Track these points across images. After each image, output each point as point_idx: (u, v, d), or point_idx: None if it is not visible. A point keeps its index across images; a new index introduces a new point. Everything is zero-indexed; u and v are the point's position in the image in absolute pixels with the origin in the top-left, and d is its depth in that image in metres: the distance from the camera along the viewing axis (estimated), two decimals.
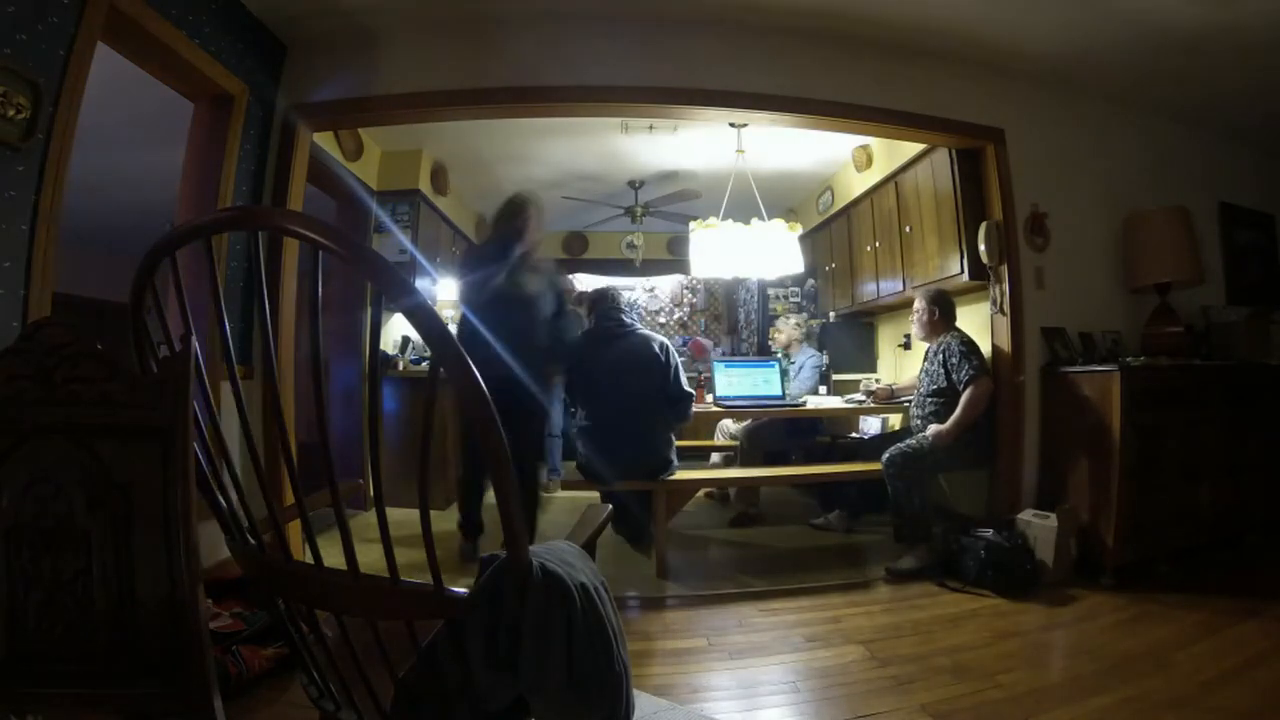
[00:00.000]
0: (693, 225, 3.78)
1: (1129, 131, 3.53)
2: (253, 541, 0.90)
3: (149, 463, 0.87)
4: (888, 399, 3.53)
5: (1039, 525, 2.78)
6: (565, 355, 2.97)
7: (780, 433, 3.94)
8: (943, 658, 2.06)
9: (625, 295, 3.30)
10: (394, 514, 0.81)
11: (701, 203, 5.00)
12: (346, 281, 4.12)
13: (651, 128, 4.03)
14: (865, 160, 4.42)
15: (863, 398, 3.63)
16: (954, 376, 2.97)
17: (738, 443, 3.91)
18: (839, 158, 4.66)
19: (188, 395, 0.86)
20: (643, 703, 1.76)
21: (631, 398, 2.91)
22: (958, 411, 2.91)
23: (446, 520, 3.90)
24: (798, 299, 5.68)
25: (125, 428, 0.87)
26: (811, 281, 5.36)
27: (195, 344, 0.87)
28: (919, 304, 3.22)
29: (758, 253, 3.63)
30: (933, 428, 2.96)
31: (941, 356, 3.05)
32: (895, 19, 2.83)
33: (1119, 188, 3.43)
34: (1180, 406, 2.86)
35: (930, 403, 3.09)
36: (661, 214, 5.48)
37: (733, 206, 3.85)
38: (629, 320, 3.12)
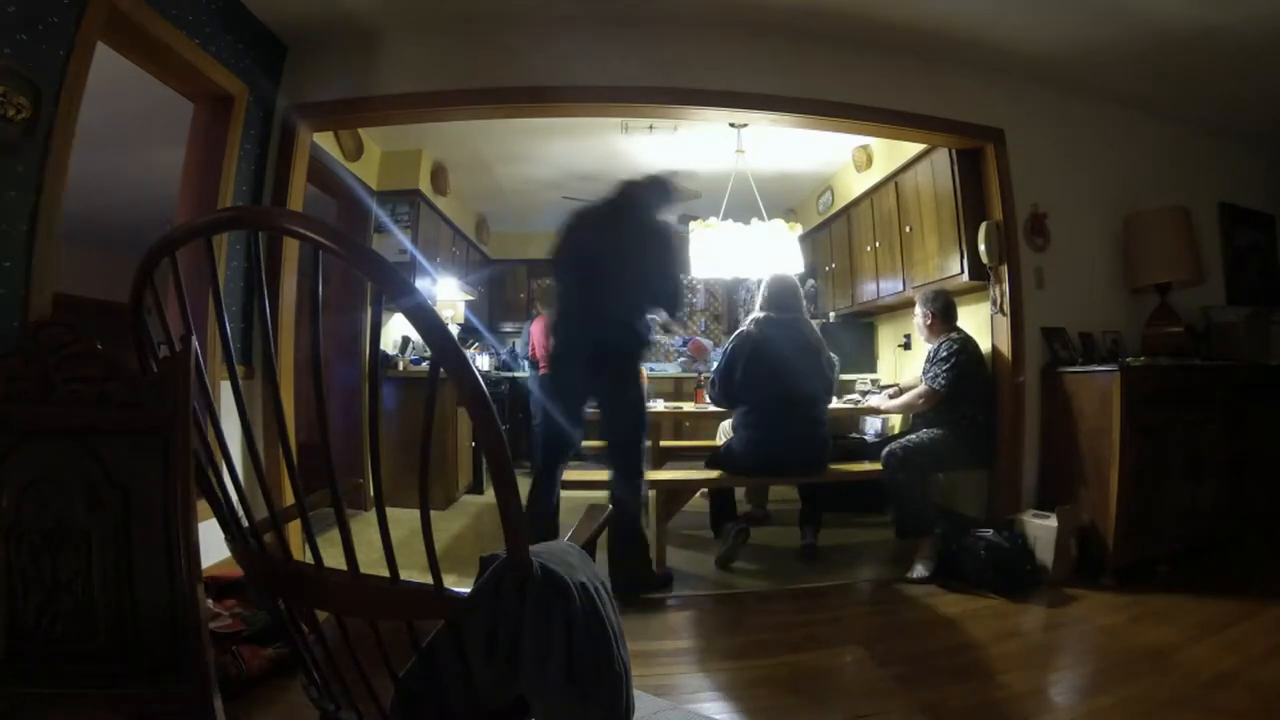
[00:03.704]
0: (693, 225, 3.77)
1: (1129, 131, 3.53)
2: (253, 541, 0.90)
3: (149, 463, 0.87)
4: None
5: (1039, 525, 2.78)
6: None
7: None
8: (943, 658, 2.06)
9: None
10: (394, 514, 0.81)
11: (701, 203, 4.97)
12: (346, 281, 4.12)
13: (651, 128, 4.03)
14: (865, 160, 4.42)
15: (859, 397, 3.63)
16: (923, 371, 3.04)
17: None
18: (839, 158, 4.66)
19: (188, 395, 0.86)
20: (643, 703, 1.76)
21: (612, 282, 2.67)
22: (903, 399, 3.09)
23: (447, 520, 3.91)
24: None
25: (125, 428, 0.87)
26: (811, 281, 5.36)
27: (195, 344, 0.87)
28: (918, 308, 3.23)
29: (757, 253, 3.63)
30: (875, 398, 3.16)
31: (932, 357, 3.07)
32: (895, 19, 2.82)
33: (1119, 188, 3.43)
34: (1180, 407, 2.86)
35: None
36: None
37: (733, 206, 3.85)
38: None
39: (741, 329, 3.04)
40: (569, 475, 3.09)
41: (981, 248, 3.14)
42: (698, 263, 3.74)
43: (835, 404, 3.31)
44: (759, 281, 3.20)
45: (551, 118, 3.48)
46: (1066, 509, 2.80)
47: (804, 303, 3.15)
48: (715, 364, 3.19)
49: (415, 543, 0.80)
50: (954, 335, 3.08)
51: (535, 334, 5.47)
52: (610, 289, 2.48)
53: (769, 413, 2.90)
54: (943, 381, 2.96)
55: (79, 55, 1.82)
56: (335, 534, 0.77)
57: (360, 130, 3.96)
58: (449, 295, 5.09)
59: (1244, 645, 2.07)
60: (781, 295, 3.04)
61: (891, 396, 3.61)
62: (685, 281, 2.69)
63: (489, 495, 4.20)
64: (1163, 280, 3.24)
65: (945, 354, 3.00)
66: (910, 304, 3.49)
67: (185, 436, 0.86)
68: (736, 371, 2.92)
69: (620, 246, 2.51)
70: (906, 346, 4.37)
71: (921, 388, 3.04)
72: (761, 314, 3.02)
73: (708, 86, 2.90)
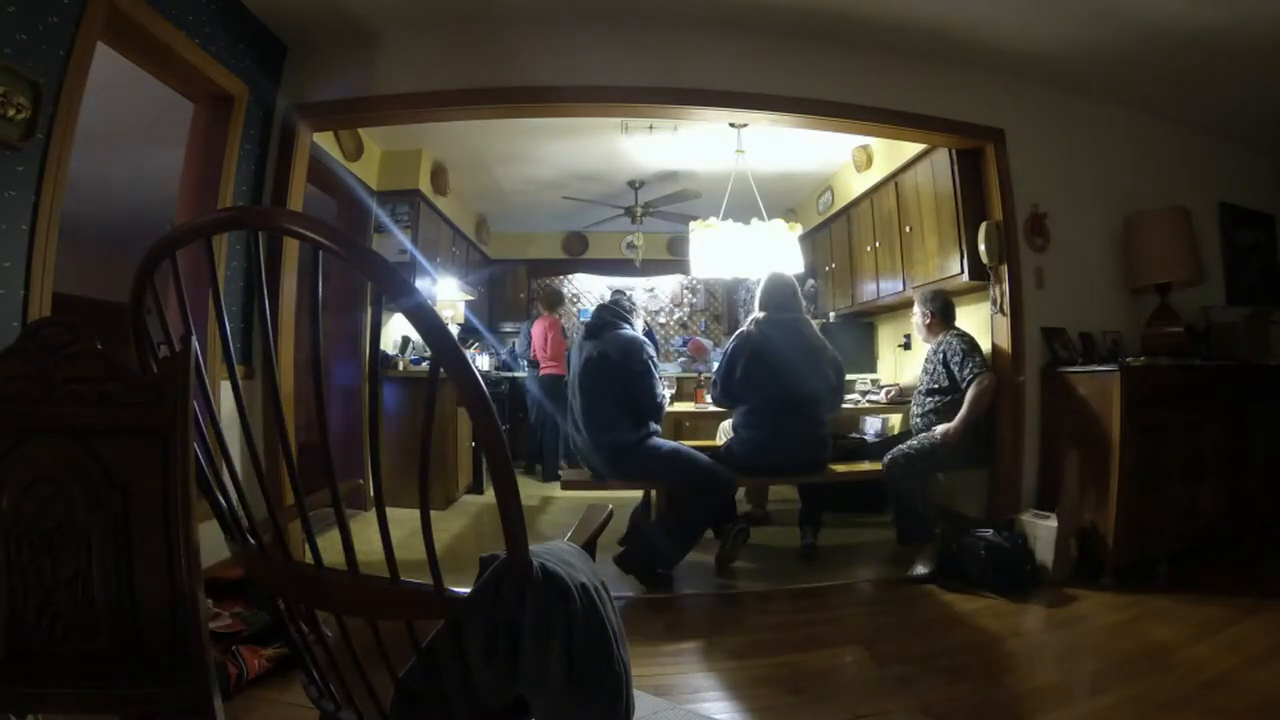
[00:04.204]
0: (693, 225, 3.78)
1: (1129, 131, 3.53)
2: (253, 542, 0.90)
3: (149, 463, 0.86)
4: (897, 399, 3.55)
5: (1039, 525, 2.78)
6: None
7: None
8: (943, 658, 2.06)
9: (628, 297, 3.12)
10: (394, 514, 0.81)
11: (701, 203, 5.01)
12: (346, 281, 4.12)
13: (651, 128, 4.03)
14: (865, 160, 4.42)
15: (859, 398, 3.63)
16: (957, 375, 2.97)
17: None
18: (839, 158, 4.66)
19: (188, 395, 0.86)
20: (643, 703, 1.76)
21: (596, 395, 2.85)
22: (964, 409, 2.91)
23: (447, 520, 3.91)
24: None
25: (125, 428, 0.87)
26: (811, 282, 5.36)
27: (195, 344, 0.87)
28: (916, 306, 3.25)
29: (757, 253, 3.63)
30: (940, 427, 2.96)
31: (942, 356, 3.05)
32: (896, 19, 2.83)
33: (1119, 188, 3.43)
34: (1180, 406, 2.86)
35: (930, 402, 3.09)
36: (661, 214, 5.49)
37: (733, 206, 3.85)
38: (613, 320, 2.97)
39: (741, 329, 3.04)
40: (568, 476, 3.11)
41: (981, 248, 3.14)
42: (698, 263, 3.75)
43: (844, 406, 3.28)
44: (759, 281, 3.18)
45: (551, 118, 3.48)
46: (1066, 509, 2.80)
47: (803, 302, 3.15)
48: (716, 364, 3.18)
49: (415, 543, 0.80)
50: (954, 332, 3.09)
51: (536, 335, 5.49)
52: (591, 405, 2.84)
53: (769, 413, 2.90)
54: (987, 365, 2.97)
55: (79, 55, 1.82)
56: (335, 534, 0.77)
57: (360, 130, 3.96)
58: (449, 295, 5.09)
59: (1244, 645, 2.07)
60: (780, 295, 3.04)
61: (890, 399, 3.61)
62: (658, 389, 2.88)
63: (489, 495, 4.20)
64: (1163, 280, 3.24)
65: (964, 348, 2.98)
66: (910, 304, 3.49)
67: (185, 436, 0.86)
68: (737, 371, 2.92)
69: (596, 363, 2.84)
70: (906, 346, 4.37)
71: (977, 386, 2.89)
72: (761, 314, 3.02)
73: (708, 86, 2.90)
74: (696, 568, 3.01)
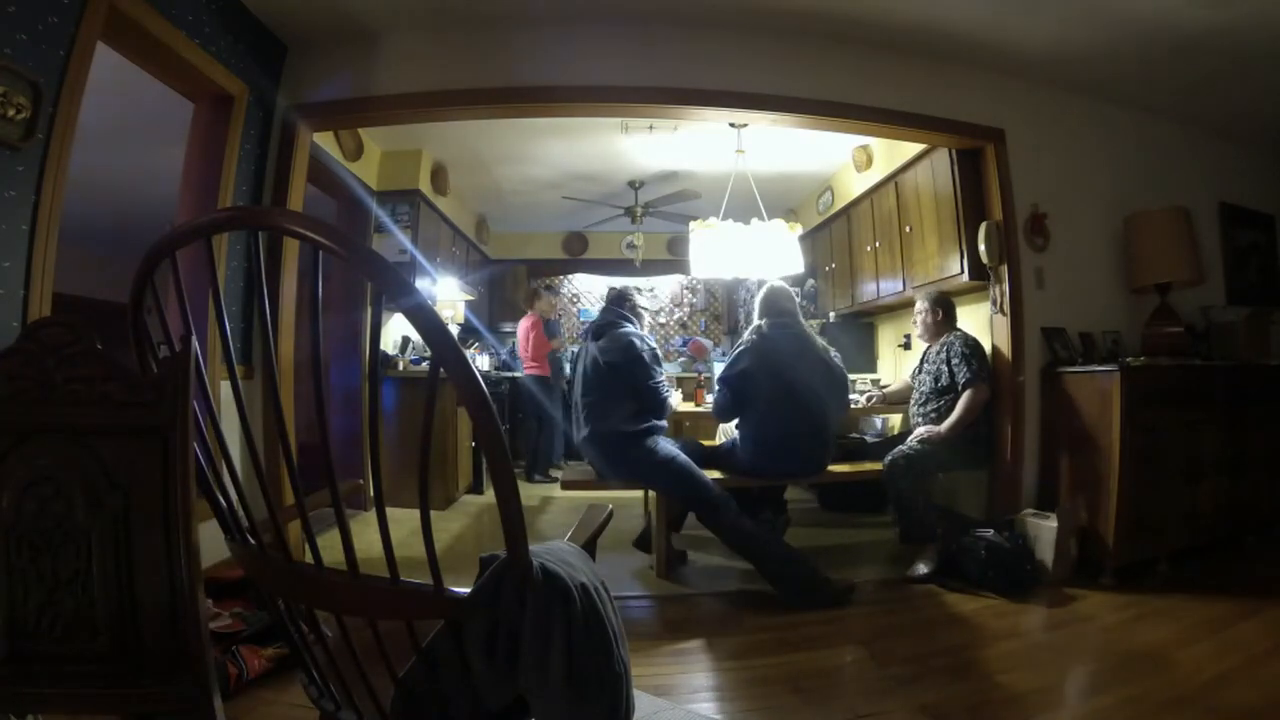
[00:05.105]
0: (692, 225, 3.77)
1: (1129, 131, 3.53)
2: (253, 542, 0.90)
3: (149, 463, 0.87)
4: (892, 399, 3.53)
5: (1039, 525, 2.78)
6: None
7: None
8: (943, 658, 2.06)
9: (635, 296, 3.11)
10: (394, 514, 0.81)
11: (701, 203, 5.01)
12: (346, 281, 4.12)
13: (651, 128, 4.03)
14: (865, 160, 4.42)
15: (858, 398, 3.62)
16: (956, 376, 2.97)
17: None
18: (839, 158, 4.66)
19: (188, 395, 0.86)
20: (643, 703, 1.76)
21: (599, 391, 2.86)
22: (955, 414, 2.92)
23: (447, 520, 3.91)
24: (798, 299, 5.66)
25: (125, 428, 0.87)
26: (811, 282, 5.36)
27: (195, 344, 0.87)
28: (920, 305, 3.24)
29: (757, 253, 3.63)
30: (924, 429, 2.97)
31: (945, 355, 3.05)
32: (896, 20, 2.83)
33: (1119, 188, 3.43)
34: (1180, 407, 2.85)
35: (933, 401, 3.09)
36: (661, 214, 5.48)
37: (733, 207, 3.85)
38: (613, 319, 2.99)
39: (742, 340, 3.00)
40: (568, 476, 3.11)
41: (981, 248, 3.14)
42: (698, 263, 3.75)
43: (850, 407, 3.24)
44: (759, 283, 3.17)
45: (551, 118, 3.48)
46: (1066, 509, 2.80)
47: (799, 309, 3.12)
48: (720, 372, 3.10)
49: (415, 543, 0.80)
50: (957, 333, 3.09)
51: (520, 335, 5.47)
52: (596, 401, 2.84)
53: (775, 414, 2.87)
54: (986, 374, 2.96)
55: (79, 55, 1.83)
56: (335, 534, 0.77)
57: (360, 130, 3.96)
58: (449, 295, 5.10)
59: (1244, 645, 2.08)
60: (778, 302, 3.03)
61: (890, 400, 3.60)
62: (660, 384, 2.86)
63: (489, 495, 4.20)
64: (1163, 280, 3.23)
65: (965, 350, 2.97)
66: (910, 304, 3.48)
67: (185, 436, 0.86)
68: (742, 370, 2.86)
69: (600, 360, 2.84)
70: (906, 346, 4.37)
71: (971, 395, 2.90)
72: (762, 321, 2.99)
73: (708, 86, 2.90)
74: (696, 568, 3.02)
